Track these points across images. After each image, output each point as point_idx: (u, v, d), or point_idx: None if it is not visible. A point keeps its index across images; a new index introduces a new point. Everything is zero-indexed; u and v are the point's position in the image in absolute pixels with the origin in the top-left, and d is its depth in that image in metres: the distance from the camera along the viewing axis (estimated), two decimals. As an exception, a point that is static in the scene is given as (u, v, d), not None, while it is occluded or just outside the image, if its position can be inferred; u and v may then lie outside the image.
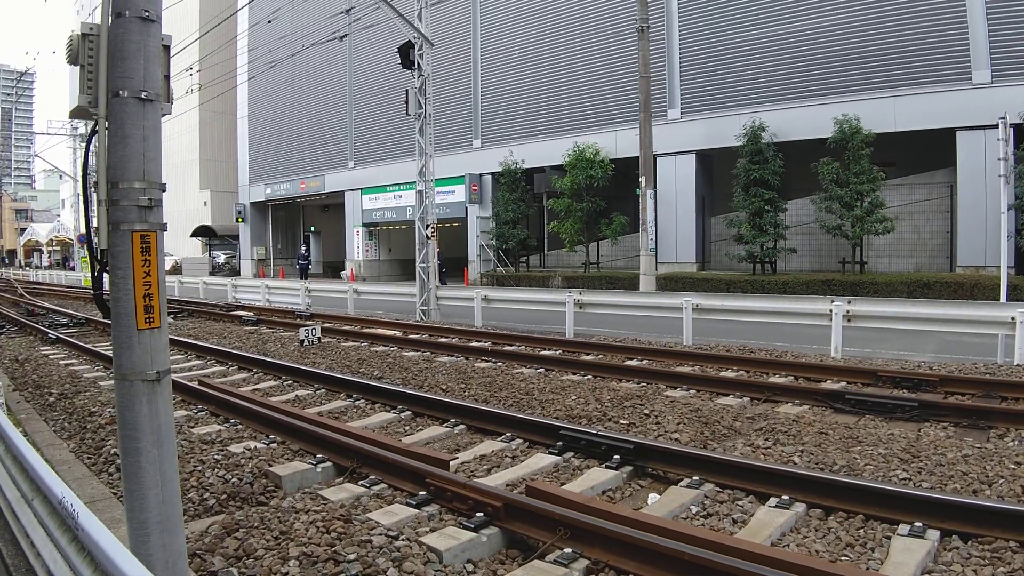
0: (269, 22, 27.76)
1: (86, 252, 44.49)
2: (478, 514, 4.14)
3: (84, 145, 3.01)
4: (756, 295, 14.55)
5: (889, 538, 3.90)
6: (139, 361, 2.81)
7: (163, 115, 2.95)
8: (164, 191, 2.90)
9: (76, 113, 2.94)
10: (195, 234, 45.50)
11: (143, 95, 2.79)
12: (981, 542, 3.80)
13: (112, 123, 2.79)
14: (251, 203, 42.18)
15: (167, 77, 3.02)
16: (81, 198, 3.16)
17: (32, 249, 78.64)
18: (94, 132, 2.86)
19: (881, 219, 18.22)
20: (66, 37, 2.96)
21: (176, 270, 41.48)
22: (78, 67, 2.91)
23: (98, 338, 13.91)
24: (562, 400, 7.40)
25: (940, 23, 17.95)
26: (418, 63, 16.41)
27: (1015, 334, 8.93)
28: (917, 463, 5.08)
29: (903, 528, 3.95)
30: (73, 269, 50.55)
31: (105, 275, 2.93)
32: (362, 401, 7.83)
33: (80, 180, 3.31)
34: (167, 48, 3.02)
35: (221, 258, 44.43)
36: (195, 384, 8.29)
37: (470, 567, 3.78)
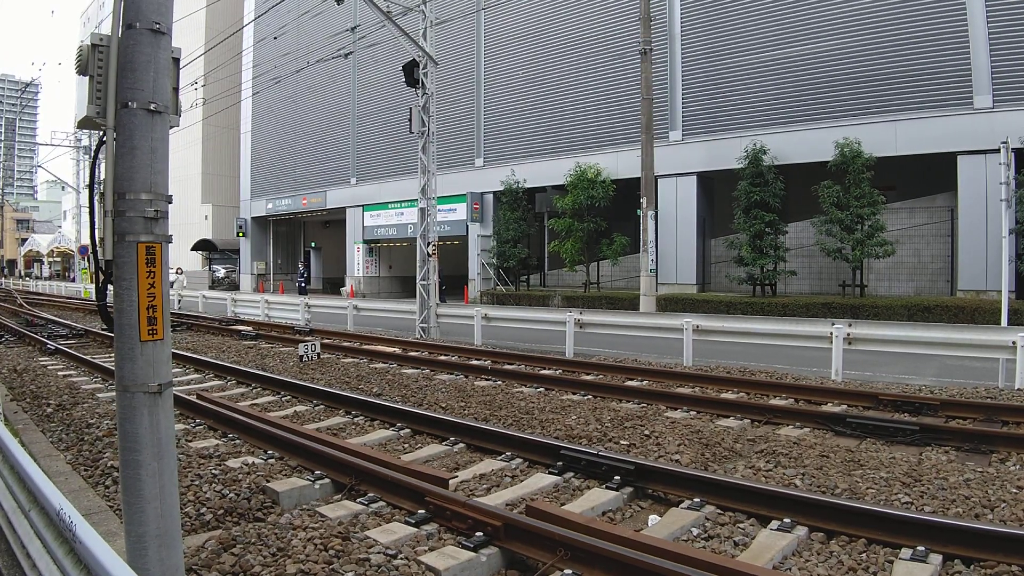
0: (275, 38, 27.96)
1: (87, 264, 44.69)
2: (477, 533, 4.10)
3: (88, 157, 3.02)
4: (756, 317, 14.53)
5: (891, 562, 3.87)
6: (141, 373, 2.80)
7: (171, 127, 2.96)
8: (170, 203, 2.91)
9: (84, 123, 2.95)
10: (195, 248, 45.53)
11: (152, 107, 2.81)
12: (983, 566, 3.78)
13: (120, 134, 2.80)
14: (252, 218, 42.33)
15: (176, 89, 3.04)
16: (88, 208, 3.16)
17: (33, 259, 78.52)
18: (102, 142, 2.87)
19: (881, 242, 18.25)
20: (76, 48, 2.97)
21: (176, 283, 41.45)
22: (87, 77, 2.92)
23: (97, 350, 13.88)
24: (562, 420, 7.37)
25: (942, 48, 18.08)
26: (422, 81, 16.52)
27: (1016, 358, 8.92)
28: (919, 487, 5.06)
29: (905, 552, 3.92)
30: (73, 280, 50.55)
31: (109, 286, 2.93)
32: (361, 418, 7.79)
33: (87, 190, 3.34)
34: (177, 61, 3.04)
35: (221, 272, 44.42)
36: (193, 398, 8.26)
37: (469, 587, 3.75)
